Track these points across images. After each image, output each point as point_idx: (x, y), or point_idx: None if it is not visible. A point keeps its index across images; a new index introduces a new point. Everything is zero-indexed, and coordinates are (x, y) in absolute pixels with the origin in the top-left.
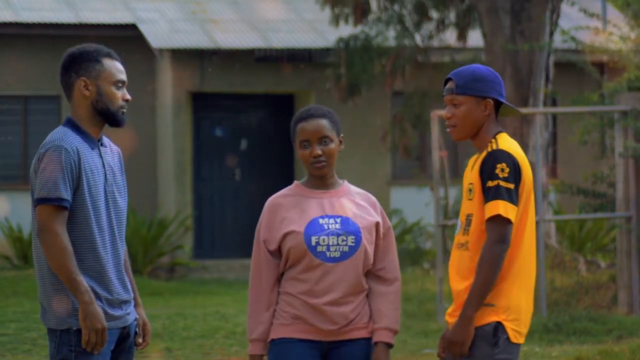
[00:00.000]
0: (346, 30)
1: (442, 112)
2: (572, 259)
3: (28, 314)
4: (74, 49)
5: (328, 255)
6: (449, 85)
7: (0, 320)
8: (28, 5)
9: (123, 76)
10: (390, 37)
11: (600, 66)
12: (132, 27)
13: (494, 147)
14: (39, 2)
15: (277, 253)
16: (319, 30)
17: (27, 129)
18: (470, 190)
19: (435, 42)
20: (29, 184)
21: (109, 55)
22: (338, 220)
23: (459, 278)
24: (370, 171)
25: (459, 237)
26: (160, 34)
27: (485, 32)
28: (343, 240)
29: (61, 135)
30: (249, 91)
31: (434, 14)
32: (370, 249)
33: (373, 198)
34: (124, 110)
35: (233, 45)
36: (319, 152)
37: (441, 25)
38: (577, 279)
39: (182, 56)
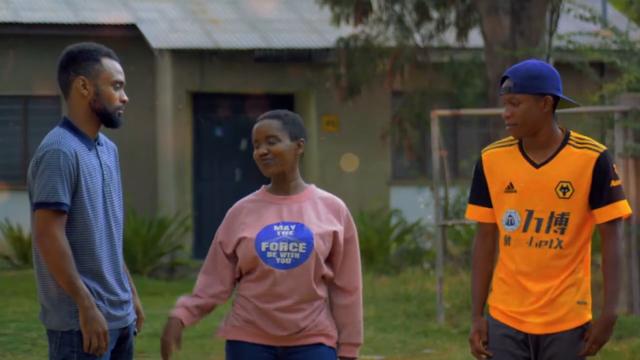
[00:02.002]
0: (346, 30)
1: (442, 112)
2: None
3: (28, 314)
4: (72, 47)
5: (278, 262)
6: (506, 84)
7: (0, 320)
8: (28, 5)
9: (121, 77)
10: (390, 37)
11: (600, 66)
12: (132, 27)
13: (600, 147)
14: (39, 2)
15: (233, 256)
16: (319, 30)
17: (27, 129)
18: (565, 188)
19: (435, 42)
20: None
21: (108, 55)
22: (293, 227)
23: (541, 275)
24: (370, 171)
25: (537, 235)
26: (160, 34)
27: (485, 32)
28: (294, 247)
29: (58, 137)
30: (249, 91)
31: (434, 14)
32: (324, 257)
33: (339, 204)
34: (121, 111)
35: (233, 45)
36: (264, 150)
37: (441, 25)
38: None
39: (182, 56)
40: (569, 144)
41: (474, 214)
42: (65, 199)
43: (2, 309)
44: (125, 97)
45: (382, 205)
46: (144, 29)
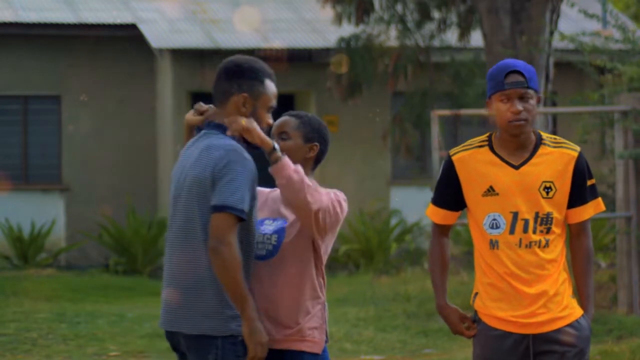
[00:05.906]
0: (347, 30)
1: (443, 112)
2: None
3: (28, 314)
4: (241, 60)
5: (257, 254)
6: (517, 78)
7: (0, 320)
8: (28, 5)
9: (276, 102)
10: (391, 36)
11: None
12: (132, 27)
13: (576, 146)
14: (39, 2)
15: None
16: (319, 30)
17: (27, 129)
18: (548, 188)
19: (436, 42)
20: (29, 183)
21: (270, 77)
22: (279, 222)
23: (536, 277)
24: (370, 171)
25: (525, 236)
26: (160, 34)
27: (485, 32)
28: (267, 239)
29: (237, 145)
30: None
31: (436, 14)
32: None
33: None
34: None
35: (233, 45)
36: None
37: (442, 25)
38: None
39: (182, 56)
40: (544, 143)
41: (437, 215)
42: (247, 208)
43: (2, 309)
44: (271, 121)
45: (382, 205)
46: (144, 29)
